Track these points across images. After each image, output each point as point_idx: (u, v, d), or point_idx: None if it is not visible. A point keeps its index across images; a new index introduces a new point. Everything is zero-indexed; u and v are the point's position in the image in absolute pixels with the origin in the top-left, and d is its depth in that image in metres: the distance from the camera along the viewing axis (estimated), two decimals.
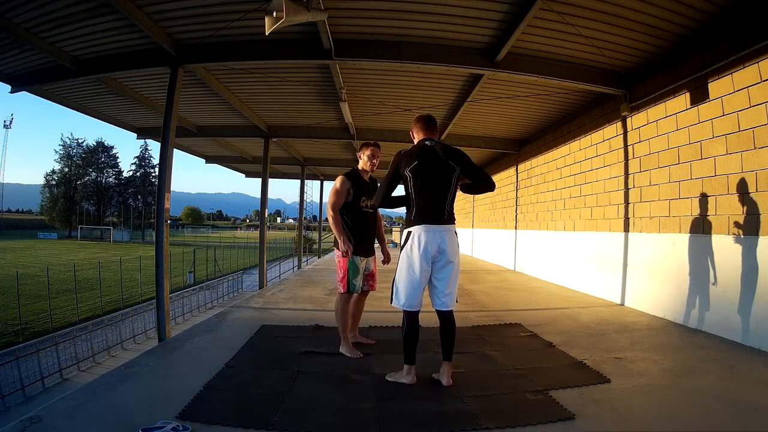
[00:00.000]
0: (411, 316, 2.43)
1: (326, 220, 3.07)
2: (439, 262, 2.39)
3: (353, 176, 3.03)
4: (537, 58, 4.29)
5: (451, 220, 2.43)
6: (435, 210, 2.39)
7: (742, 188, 3.33)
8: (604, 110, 5.35)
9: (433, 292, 2.47)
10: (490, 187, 2.53)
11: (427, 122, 2.56)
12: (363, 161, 3.07)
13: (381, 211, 3.11)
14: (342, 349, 3.01)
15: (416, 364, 2.47)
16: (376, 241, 3.21)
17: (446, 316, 2.46)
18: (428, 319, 2.70)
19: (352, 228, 3.00)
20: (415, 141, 2.58)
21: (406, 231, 2.45)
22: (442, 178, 2.41)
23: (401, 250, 2.45)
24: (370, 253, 3.10)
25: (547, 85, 4.96)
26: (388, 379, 2.52)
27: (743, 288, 3.25)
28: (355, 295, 3.08)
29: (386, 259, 3.22)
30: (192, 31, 3.83)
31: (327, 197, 3.03)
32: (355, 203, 3.00)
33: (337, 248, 2.97)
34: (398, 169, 2.47)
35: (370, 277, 3.10)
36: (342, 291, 2.98)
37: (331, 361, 2.87)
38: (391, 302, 2.49)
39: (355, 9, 3.57)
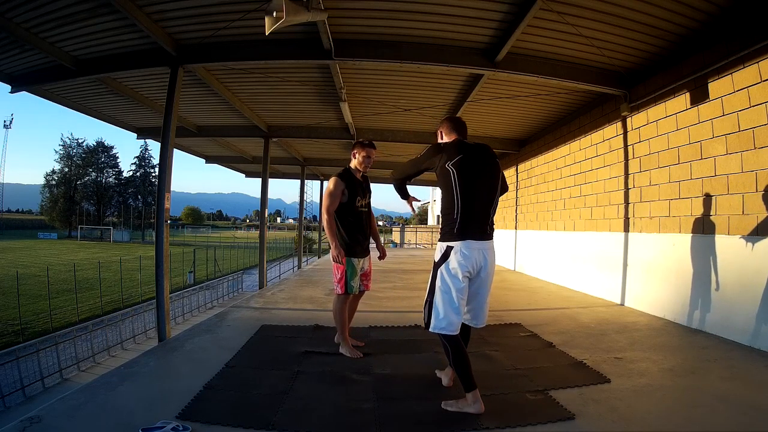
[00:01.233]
0: (455, 339, 2.15)
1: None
2: (477, 278, 2.20)
3: (346, 176, 2.98)
4: (537, 58, 4.29)
5: (492, 233, 2.22)
6: (479, 222, 2.15)
7: (742, 188, 3.34)
8: (604, 110, 5.35)
9: (468, 310, 2.27)
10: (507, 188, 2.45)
11: (459, 124, 2.35)
12: (357, 161, 3.02)
13: (377, 212, 3.07)
14: (342, 350, 3.01)
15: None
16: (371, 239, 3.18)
17: (469, 328, 2.36)
18: None
19: (349, 229, 2.96)
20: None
21: (444, 245, 2.16)
22: (490, 179, 2.20)
23: (438, 266, 2.18)
24: (366, 252, 3.08)
25: (547, 85, 4.95)
26: (449, 408, 2.15)
27: (743, 288, 3.25)
28: (351, 295, 3.08)
29: (382, 255, 3.20)
30: (192, 31, 3.83)
31: None
32: (351, 204, 2.96)
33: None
34: (430, 161, 2.23)
35: (364, 277, 3.09)
36: (340, 292, 2.97)
37: (331, 361, 2.87)
38: (429, 328, 2.19)
39: (355, 9, 3.57)
